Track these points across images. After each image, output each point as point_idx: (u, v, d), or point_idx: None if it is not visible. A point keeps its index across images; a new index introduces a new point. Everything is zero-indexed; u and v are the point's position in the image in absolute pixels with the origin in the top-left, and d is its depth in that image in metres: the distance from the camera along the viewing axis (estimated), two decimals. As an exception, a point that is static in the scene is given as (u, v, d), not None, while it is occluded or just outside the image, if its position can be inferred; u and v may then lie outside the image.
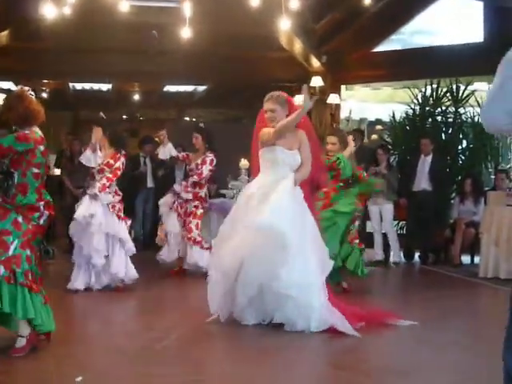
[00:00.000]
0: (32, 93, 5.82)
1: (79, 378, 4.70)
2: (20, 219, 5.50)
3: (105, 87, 18.48)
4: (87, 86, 18.47)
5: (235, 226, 6.52)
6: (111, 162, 8.58)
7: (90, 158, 8.44)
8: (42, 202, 5.59)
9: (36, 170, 5.57)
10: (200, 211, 9.74)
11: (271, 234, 6.23)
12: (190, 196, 9.66)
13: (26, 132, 5.55)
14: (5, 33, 13.00)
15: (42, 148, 5.59)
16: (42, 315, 5.47)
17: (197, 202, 9.71)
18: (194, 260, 9.53)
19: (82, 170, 12.32)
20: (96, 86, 18.55)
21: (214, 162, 9.70)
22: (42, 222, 5.60)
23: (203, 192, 9.84)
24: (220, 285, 6.47)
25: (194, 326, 6.52)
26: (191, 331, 6.38)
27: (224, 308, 6.54)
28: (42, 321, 5.47)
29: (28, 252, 5.50)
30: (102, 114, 8.85)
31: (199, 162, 9.69)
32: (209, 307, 6.54)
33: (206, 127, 10.10)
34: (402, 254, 11.81)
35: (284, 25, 10.31)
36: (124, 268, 8.38)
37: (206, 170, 9.64)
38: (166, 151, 9.69)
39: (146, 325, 6.66)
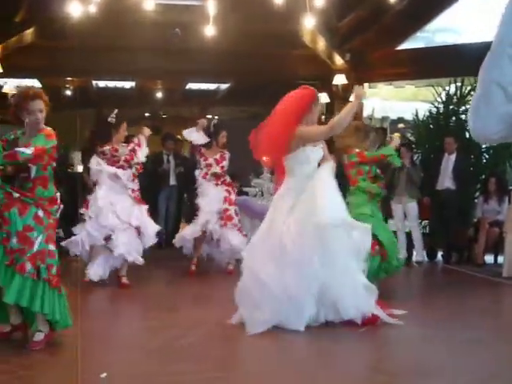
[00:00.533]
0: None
1: (104, 375, 4.72)
2: (40, 213, 5.55)
3: (128, 85, 18.55)
4: (110, 83, 18.56)
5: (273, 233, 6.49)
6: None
7: None
8: (58, 195, 5.70)
9: (54, 164, 5.71)
10: (233, 196, 9.91)
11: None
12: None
13: (49, 128, 5.62)
14: (30, 31, 13.09)
15: (56, 143, 5.68)
16: (58, 311, 5.51)
17: (227, 188, 9.88)
18: (235, 243, 9.56)
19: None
20: (119, 84, 18.64)
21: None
22: (57, 215, 5.73)
23: (228, 179, 10.02)
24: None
25: (216, 324, 6.53)
26: (213, 328, 6.39)
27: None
28: (58, 317, 5.51)
29: (51, 246, 5.55)
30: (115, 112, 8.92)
31: (218, 157, 9.86)
32: (230, 304, 6.55)
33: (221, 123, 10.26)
34: (425, 253, 11.75)
35: (308, 23, 10.31)
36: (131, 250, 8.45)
37: (223, 165, 9.88)
38: (198, 136, 9.74)
39: (167, 322, 6.68)
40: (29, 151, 5.38)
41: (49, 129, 5.61)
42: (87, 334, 5.97)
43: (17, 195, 5.48)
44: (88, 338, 5.85)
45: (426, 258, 11.73)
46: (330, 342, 5.95)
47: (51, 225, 5.61)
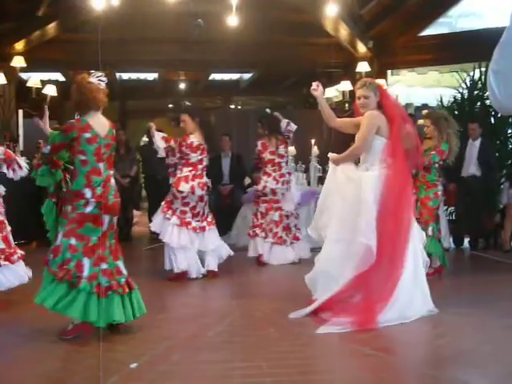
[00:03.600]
0: (101, 79, 5.87)
1: (134, 365, 4.77)
2: (69, 208, 5.60)
3: (151, 77, 18.61)
4: (134, 75, 18.63)
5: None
6: None
7: None
8: (90, 190, 5.63)
9: (83, 157, 5.63)
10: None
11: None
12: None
13: (72, 121, 5.65)
14: (53, 25, 13.18)
15: (87, 135, 5.63)
16: (75, 307, 5.53)
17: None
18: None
19: (128, 159, 12.52)
20: (142, 76, 18.70)
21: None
22: (88, 210, 5.61)
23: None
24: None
25: (249, 313, 6.58)
26: (246, 318, 6.44)
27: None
28: (75, 314, 5.54)
29: (72, 241, 5.57)
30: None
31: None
32: (263, 294, 6.61)
33: (268, 114, 10.27)
34: (451, 240, 11.71)
35: (331, 10, 10.28)
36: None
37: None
38: None
39: (200, 311, 6.72)
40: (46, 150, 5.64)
41: (72, 121, 5.69)
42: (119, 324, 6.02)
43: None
44: (120, 328, 5.89)
45: (452, 245, 11.68)
46: (360, 332, 5.96)
47: (75, 219, 5.59)
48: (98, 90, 5.76)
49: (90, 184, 5.62)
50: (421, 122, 9.26)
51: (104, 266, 5.66)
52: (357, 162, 6.80)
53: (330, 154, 6.73)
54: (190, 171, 8.49)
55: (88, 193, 5.60)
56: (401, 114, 6.80)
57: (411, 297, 6.38)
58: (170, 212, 8.47)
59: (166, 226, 8.47)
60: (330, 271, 6.40)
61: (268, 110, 10.41)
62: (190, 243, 8.49)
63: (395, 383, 4.73)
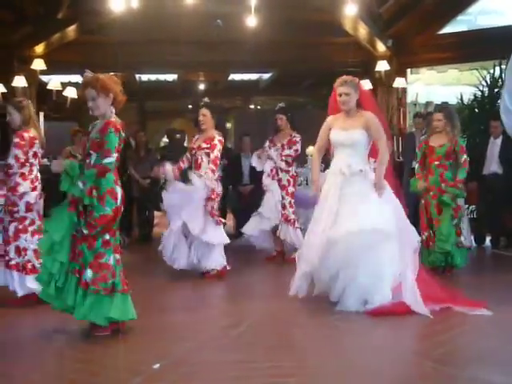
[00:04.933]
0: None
1: (157, 365, 4.78)
2: (100, 213, 5.59)
3: (170, 78, 18.65)
4: (153, 77, 18.68)
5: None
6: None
7: None
8: (119, 187, 5.66)
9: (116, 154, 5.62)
10: (291, 189, 9.85)
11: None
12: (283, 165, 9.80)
13: (113, 119, 5.63)
14: (72, 27, 13.25)
15: (123, 134, 5.66)
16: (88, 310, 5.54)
17: (289, 178, 9.88)
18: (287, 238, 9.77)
19: (149, 160, 12.55)
20: (162, 77, 18.75)
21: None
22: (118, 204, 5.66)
23: (293, 170, 9.97)
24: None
25: (270, 313, 6.59)
26: (267, 318, 6.44)
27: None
28: (92, 317, 5.55)
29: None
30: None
31: (285, 142, 9.81)
32: (283, 295, 6.64)
33: (287, 108, 10.19)
34: (472, 239, 11.64)
35: (350, 10, 10.27)
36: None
37: (296, 148, 9.79)
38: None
39: (222, 311, 6.73)
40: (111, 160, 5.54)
41: (112, 119, 5.62)
42: (142, 325, 6.04)
43: None
44: (142, 329, 5.92)
45: (474, 244, 11.62)
46: (380, 328, 5.95)
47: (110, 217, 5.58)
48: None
49: (118, 182, 5.67)
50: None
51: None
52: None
53: (379, 182, 6.73)
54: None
55: (119, 191, 5.64)
56: (378, 111, 7.13)
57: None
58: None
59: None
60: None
61: (282, 104, 10.33)
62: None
63: (416, 381, 4.71)
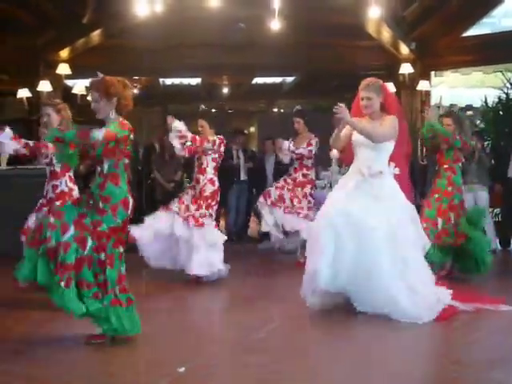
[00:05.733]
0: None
1: (182, 369, 4.79)
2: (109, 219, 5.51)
3: (194, 81, 18.70)
4: (177, 80, 18.75)
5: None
6: None
7: None
8: (130, 196, 5.55)
9: (126, 161, 5.54)
10: (309, 190, 9.88)
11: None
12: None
13: (121, 119, 5.61)
14: (97, 31, 13.33)
15: (132, 137, 5.59)
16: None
17: (308, 186, 9.90)
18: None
19: (173, 164, 12.59)
20: (185, 81, 18.81)
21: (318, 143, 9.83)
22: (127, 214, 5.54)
23: (312, 173, 9.99)
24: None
25: (291, 316, 6.59)
26: (290, 321, 6.45)
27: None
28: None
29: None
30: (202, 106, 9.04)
31: (305, 145, 9.81)
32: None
33: (304, 110, 10.18)
34: (498, 242, 11.59)
35: (374, 13, 10.26)
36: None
37: (314, 150, 9.78)
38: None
39: (243, 315, 6.74)
40: (100, 136, 5.34)
41: (125, 121, 5.56)
42: (164, 328, 6.07)
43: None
44: (164, 332, 5.94)
45: (499, 246, 11.57)
46: (397, 333, 5.94)
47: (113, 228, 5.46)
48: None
49: (129, 190, 5.58)
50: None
51: None
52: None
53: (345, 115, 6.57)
54: None
55: (131, 200, 5.55)
56: (402, 115, 6.96)
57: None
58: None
59: None
60: None
61: (299, 107, 10.34)
62: None
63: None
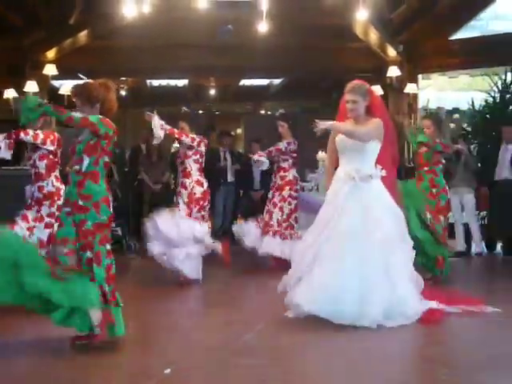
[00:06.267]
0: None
1: (167, 371, 4.77)
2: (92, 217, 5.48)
3: (181, 83, 18.69)
4: (164, 82, 18.72)
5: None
6: None
7: None
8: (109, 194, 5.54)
9: (107, 159, 5.52)
10: (288, 192, 9.77)
11: None
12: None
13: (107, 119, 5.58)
14: (84, 32, 13.30)
15: (115, 138, 5.60)
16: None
17: (287, 187, 9.76)
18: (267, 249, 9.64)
19: (160, 166, 12.57)
20: (173, 82, 18.78)
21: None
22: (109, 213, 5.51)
23: (291, 174, 9.82)
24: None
25: (279, 318, 6.54)
26: (277, 322, 6.40)
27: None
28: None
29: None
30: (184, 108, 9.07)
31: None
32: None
33: (288, 114, 10.18)
34: (484, 245, 11.61)
35: (361, 15, 10.28)
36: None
37: (282, 146, 9.72)
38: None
39: (230, 316, 6.72)
40: (79, 116, 5.37)
41: (109, 121, 5.53)
42: (148, 331, 6.04)
43: None
44: (148, 335, 5.92)
45: (485, 250, 11.59)
46: (384, 335, 5.93)
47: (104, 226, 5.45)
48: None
49: (108, 189, 5.55)
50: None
51: None
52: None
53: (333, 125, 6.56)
54: None
55: (111, 199, 5.56)
56: (388, 118, 6.87)
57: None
58: None
59: None
60: None
61: (283, 111, 10.35)
62: None
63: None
